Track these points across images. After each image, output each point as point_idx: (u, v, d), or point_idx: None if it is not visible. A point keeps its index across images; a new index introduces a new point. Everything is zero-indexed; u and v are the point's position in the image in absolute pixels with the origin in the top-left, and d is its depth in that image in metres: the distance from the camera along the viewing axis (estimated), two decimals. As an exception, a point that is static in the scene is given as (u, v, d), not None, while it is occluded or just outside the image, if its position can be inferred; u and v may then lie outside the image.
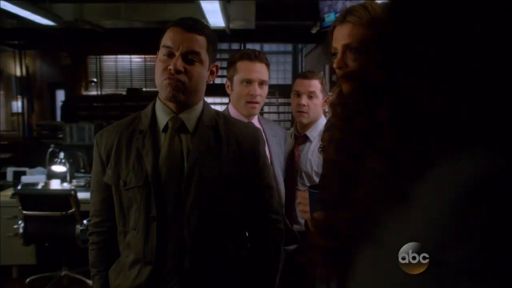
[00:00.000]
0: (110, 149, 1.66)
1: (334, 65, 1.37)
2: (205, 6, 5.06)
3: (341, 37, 1.36)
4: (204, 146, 1.62)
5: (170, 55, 1.58)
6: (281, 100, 14.79)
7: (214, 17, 5.66)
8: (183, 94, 1.58)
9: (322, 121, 2.84)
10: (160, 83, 1.60)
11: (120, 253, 1.70)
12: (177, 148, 1.60)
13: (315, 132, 2.81)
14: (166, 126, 1.63)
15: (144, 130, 1.63)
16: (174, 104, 1.63)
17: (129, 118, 1.71)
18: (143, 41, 10.52)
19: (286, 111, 14.47)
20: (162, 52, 1.60)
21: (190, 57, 1.58)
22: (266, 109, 14.61)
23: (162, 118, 1.65)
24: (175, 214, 1.58)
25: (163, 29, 1.65)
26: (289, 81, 16.20)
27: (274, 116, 14.64)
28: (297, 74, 3.81)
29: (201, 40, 1.59)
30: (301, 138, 2.79)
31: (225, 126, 1.68)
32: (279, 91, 14.84)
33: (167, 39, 1.60)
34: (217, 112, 1.72)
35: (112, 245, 1.71)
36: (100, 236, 1.74)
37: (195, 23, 1.63)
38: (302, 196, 1.42)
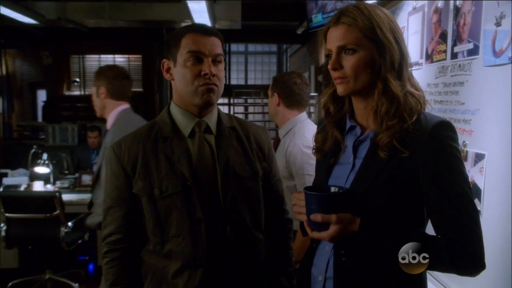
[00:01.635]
0: (135, 160, 1.63)
1: (329, 67, 1.38)
2: (191, 5, 5.06)
3: (335, 39, 1.36)
4: (230, 145, 1.69)
5: (199, 60, 1.59)
6: (266, 101, 14.80)
7: (201, 17, 5.66)
8: (216, 97, 1.64)
9: (291, 122, 2.73)
10: (194, 89, 1.60)
11: (145, 268, 1.68)
12: (207, 150, 1.65)
13: (283, 132, 2.75)
14: (192, 130, 1.66)
15: (169, 136, 1.64)
16: (201, 109, 1.66)
17: (146, 128, 1.70)
18: (127, 41, 10.50)
19: (271, 111, 14.48)
20: (186, 58, 1.59)
21: (218, 59, 1.62)
22: (251, 109, 14.62)
23: (186, 123, 1.67)
24: (218, 213, 1.62)
25: (175, 36, 1.64)
26: (274, 82, 16.23)
27: (259, 117, 14.65)
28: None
29: (219, 42, 1.65)
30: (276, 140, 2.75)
31: (240, 126, 1.77)
32: (264, 91, 14.88)
33: (191, 45, 1.59)
34: (228, 113, 1.80)
35: (133, 261, 1.68)
36: (122, 252, 1.66)
37: (210, 27, 1.68)
38: (297, 198, 1.42)
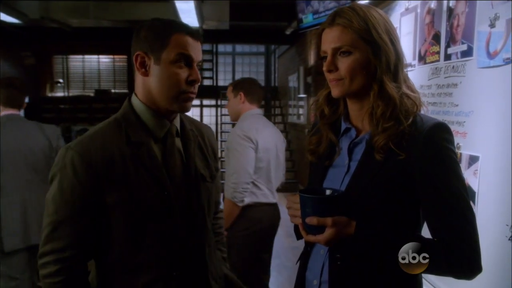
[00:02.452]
0: (110, 165, 1.48)
1: (324, 68, 1.38)
2: (179, 5, 5.06)
3: (330, 40, 1.36)
4: (194, 149, 1.66)
5: (188, 64, 1.52)
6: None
7: (188, 17, 5.66)
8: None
9: (247, 113, 3.25)
10: (176, 94, 1.52)
11: (100, 282, 1.58)
12: (178, 156, 1.61)
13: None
14: (165, 135, 1.59)
15: (143, 141, 1.54)
16: (173, 113, 1.60)
17: (111, 128, 1.55)
18: (112, 41, 10.46)
19: (259, 113, 14.51)
20: (175, 59, 1.50)
21: (199, 65, 1.57)
22: (238, 111, 14.62)
23: (159, 127, 1.58)
24: (191, 219, 1.60)
25: (160, 31, 1.53)
26: (261, 83, 16.22)
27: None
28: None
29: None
30: None
31: (195, 127, 1.74)
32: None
33: (183, 47, 1.51)
34: (184, 115, 1.73)
35: (85, 278, 1.54)
36: (77, 269, 1.50)
37: (197, 31, 1.60)
38: (292, 201, 1.42)
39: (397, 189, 1.32)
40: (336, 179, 1.44)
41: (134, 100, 1.59)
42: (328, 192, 1.40)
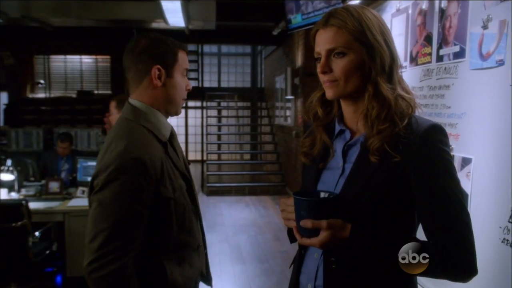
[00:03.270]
0: (160, 164, 1.72)
1: (318, 70, 1.39)
2: (165, 5, 5.04)
3: (325, 41, 1.37)
4: (179, 144, 1.97)
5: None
6: (240, 104, 14.84)
7: (174, 16, 5.65)
8: None
9: None
10: (181, 101, 1.88)
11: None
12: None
13: None
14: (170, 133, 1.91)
15: (166, 141, 1.83)
16: (171, 116, 1.91)
17: (141, 131, 1.76)
18: (95, 41, 10.40)
19: (245, 115, 14.52)
20: (183, 73, 1.86)
21: None
22: (224, 113, 14.62)
23: (167, 128, 1.87)
24: (196, 201, 1.94)
25: (171, 49, 1.81)
26: (247, 84, 16.27)
27: (232, 121, 14.67)
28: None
29: None
30: None
31: None
32: (238, 94, 14.89)
33: (186, 62, 1.87)
34: None
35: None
36: (131, 262, 1.64)
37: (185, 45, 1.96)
38: (286, 203, 1.42)
39: (392, 191, 1.33)
40: (331, 181, 1.44)
41: (141, 105, 1.81)
42: (322, 194, 1.40)
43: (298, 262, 1.52)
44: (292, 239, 1.44)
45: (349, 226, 1.31)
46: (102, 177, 1.64)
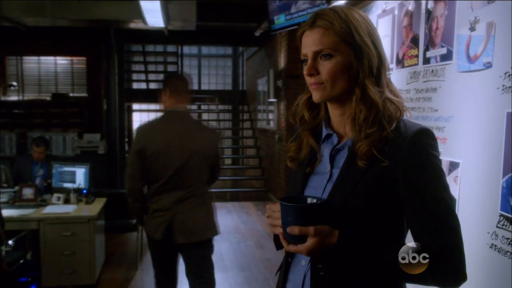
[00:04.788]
0: None
1: (305, 72, 1.39)
2: (144, 4, 5.02)
3: (311, 43, 1.37)
4: None
5: None
6: (221, 107, 14.83)
7: (153, 17, 5.63)
8: None
9: None
10: None
11: None
12: None
13: None
14: None
15: None
16: None
17: None
18: (70, 41, 10.30)
19: (226, 118, 14.50)
20: None
21: None
22: (205, 116, 14.59)
23: None
24: None
25: None
26: (229, 87, 16.26)
27: (212, 124, 14.63)
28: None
29: None
30: None
31: None
32: (219, 97, 14.87)
33: None
34: None
35: None
36: None
37: None
38: (272, 209, 1.42)
39: (380, 196, 1.33)
40: (318, 186, 1.44)
41: None
42: (309, 200, 1.40)
43: (284, 269, 1.52)
44: (279, 246, 1.43)
45: (337, 232, 1.31)
46: None
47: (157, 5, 5.09)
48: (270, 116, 10.45)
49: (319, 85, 1.37)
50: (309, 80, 1.39)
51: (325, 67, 1.35)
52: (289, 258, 1.50)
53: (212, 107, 14.39)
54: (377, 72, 1.37)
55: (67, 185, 5.21)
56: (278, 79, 9.27)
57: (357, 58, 1.35)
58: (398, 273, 1.27)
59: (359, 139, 1.34)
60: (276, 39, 9.32)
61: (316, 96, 1.39)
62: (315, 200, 1.39)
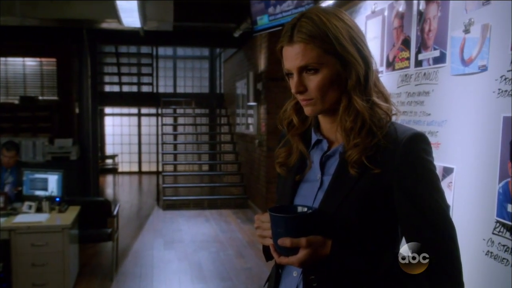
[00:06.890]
0: None
1: (293, 90, 1.37)
2: (120, 4, 4.98)
3: (294, 58, 1.33)
4: None
5: None
6: (198, 111, 14.79)
7: (129, 16, 5.58)
8: None
9: None
10: None
11: None
12: None
13: None
14: None
15: None
16: None
17: None
18: (39, 42, 10.18)
19: (203, 122, 14.46)
20: None
21: None
22: (181, 120, 14.54)
23: None
24: None
25: None
26: (206, 90, 16.25)
27: (189, 129, 14.59)
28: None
29: None
30: None
31: None
32: (196, 100, 14.82)
33: None
34: None
35: None
36: None
37: None
38: (261, 220, 1.41)
39: (374, 204, 1.33)
40: (309, 195, 1.43)
41: None
42: (300, 209, 1.39)
43: (275, 281, 1.50)
44: (268, 257, 1.42)
45: (330, 242, 1.30)
46: None
47: (134, 4, 5.05)
48: (250, 120, 10.46)
49: (309, 101, 1.36)
50: (298, 97, 1.38)
51: (312, 81, 1.33)
52: (280, 269, 1.49)
53: (189, 111, 14.35)
54: (365, 78, 1.35)
55: (39, 192, 5.14)
56: (258, 81, 9.27)
57: (343, 66, 1.34)
58: (393, 283, 1.28)
59: (349, 147, 1.34)
60: (256, 40, 9.33)
61: (308, 111, 1.39)
62: (305, 209, 1.37)
